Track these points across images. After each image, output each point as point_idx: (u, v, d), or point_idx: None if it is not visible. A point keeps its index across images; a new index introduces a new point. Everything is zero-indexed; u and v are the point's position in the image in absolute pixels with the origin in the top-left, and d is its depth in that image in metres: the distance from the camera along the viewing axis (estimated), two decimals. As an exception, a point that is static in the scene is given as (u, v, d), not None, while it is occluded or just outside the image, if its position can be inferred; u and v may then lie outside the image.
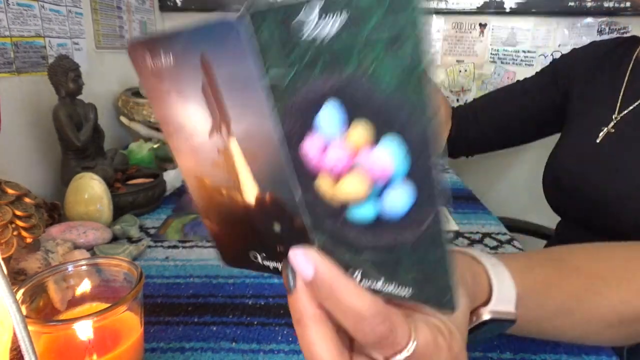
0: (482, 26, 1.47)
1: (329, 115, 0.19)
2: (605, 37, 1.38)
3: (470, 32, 1.47)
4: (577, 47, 0.88)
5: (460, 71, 1.52)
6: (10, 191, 0.48)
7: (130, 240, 0.68)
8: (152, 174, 0.86)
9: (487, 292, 0.34)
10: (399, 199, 0.20)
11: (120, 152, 0.86)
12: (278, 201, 0.23)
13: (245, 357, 0.43)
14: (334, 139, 0.20)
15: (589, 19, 1.42)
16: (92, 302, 0.41)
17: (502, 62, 1.49)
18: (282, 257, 0.24)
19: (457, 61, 1.51)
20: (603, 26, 1.41)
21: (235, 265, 0.27)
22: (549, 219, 0.89)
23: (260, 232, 0.25)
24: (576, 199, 0.72)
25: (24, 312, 0.36)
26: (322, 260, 0.22)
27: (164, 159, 1.01)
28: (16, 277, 0.50)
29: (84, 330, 0.35)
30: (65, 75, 0.76)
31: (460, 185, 0.98)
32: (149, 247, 0.66)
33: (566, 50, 1.06)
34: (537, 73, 0.92)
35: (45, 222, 0.54)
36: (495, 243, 0.69)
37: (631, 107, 0.69)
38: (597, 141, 0.71)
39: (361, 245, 0.22)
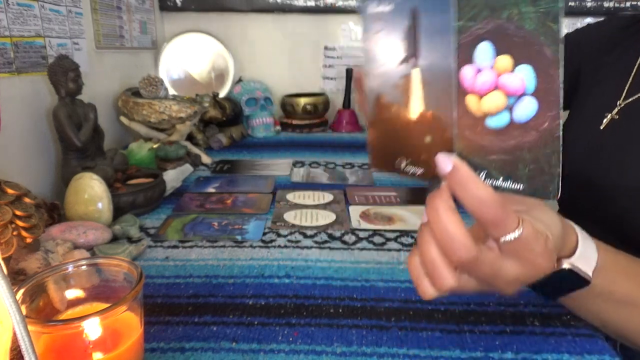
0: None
1: (483, 50, 0.29)
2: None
3: (471, 32, 1.47)
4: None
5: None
6: (10, 191, 0.48)
7: (130, 240, 0.68)
8: (152, 174, 0.86)
9: (573, 247, 0.39)
10: (527, 108, 0.28)
11: (120, 152, 0.86)
12: (437, 117, 0.32)
13: (245, 357, 0.43)
14: (484, 67, 0.29)
15: (589, 19, 1.41)
16: (92, 302, 0.41)
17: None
18: (425, 164, 0.33)
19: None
20: (603, 26, 1.41)
21: (381, 167, 0.36)
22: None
23: (413, 142, 0.33)
24: (582, 190, 0.67)
25: (24, 312, 0.36)
26: (458, 160, 0.31)
27: (164, 159, 1.01)
28: (16, 277, 0.50)
29: (84, 330, 0.35)
30: (65, 75, 0.76)
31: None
32: (149, 247, 0.66)
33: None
34: None
35: (45, 222, 0.54)
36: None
37: (637, 95, 0.64)
38: (601, 127, 0.66)
39: (491, 148, 0.30)
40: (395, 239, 0.68)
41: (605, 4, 1.37)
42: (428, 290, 0.33)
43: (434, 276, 0.33)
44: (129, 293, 0.36)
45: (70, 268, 0.41)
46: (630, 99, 0.64)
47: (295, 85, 1.57)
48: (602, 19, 0.79)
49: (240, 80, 1.51)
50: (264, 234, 0.70)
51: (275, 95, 1.51)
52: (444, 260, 0.32)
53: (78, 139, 0.77)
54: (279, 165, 1.07)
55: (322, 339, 0.45)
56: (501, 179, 0.31)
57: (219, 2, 1.46)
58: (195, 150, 1.12)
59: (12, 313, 0.23)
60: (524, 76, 0.28)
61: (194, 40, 1.50)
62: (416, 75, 0.32)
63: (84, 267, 0.41)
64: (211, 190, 0.90)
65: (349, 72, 1.48)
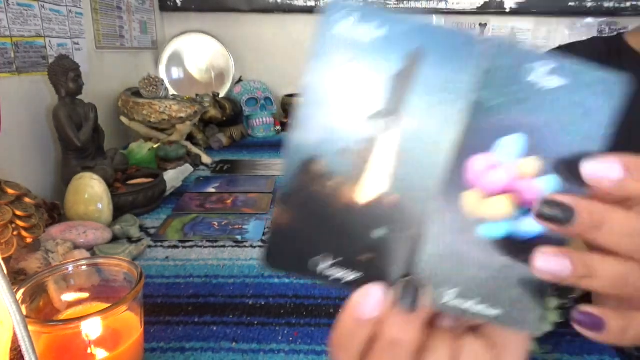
0: (482, 26, 1.47)
1: (513, 143, 0.23)
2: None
3: (471, 32, 1.47)
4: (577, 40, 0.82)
5: (460, 71, 1.52)
6: (10, 191, 0.48)
7: (130, 240, 0.68)
8: (152, 174, 0.86)
9: None
10: (536, 224, 0.23)
11: (120, 152, 0.86)
12: (401, 206, 0.24)
13: (245, 357, 0.43)
14: (504, 163, 0.23)
15: (589, 19, 1.42)
16: (92, 302, 0.41)
17: (502, 62, 1.49)
18: (362, 266, 0.24)
19: (457, 61, 1.51)
20: (603, 26, 1.41)
21: (282, 267, 0.25)
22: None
23: (349, 235, 0.24)
24: None
25: (24, 312, 0.36)
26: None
27: (164, 159, 1.01)
28: (16, 277, 0.50)
29: (84, 330, 0.35)
30: (65, 75, 0.76)
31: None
32: (149, 247, 0.66)
33: (566, 50, 1.06)
34: None
35: (45, 222, 0.54)
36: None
37: None
38: None
39: (474, 261, 0.24)
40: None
41: (605, 4, 1.37)
42: None
43: None
44: (129, 293, 0.36)
45: (71, 268, 0.41)
46: None
47: (295, 85, 1.57)
48: (585, 38, 0.80)
49: (240, 80, 1.51)
50: (264, 233, 0.70)
51: (275, 95, 1.51)
52: None
53: (78, 139, 0.77)
54: (279, 165, 1.08)
55: (322, 339, 0.45)
56: (476, 300, 0.24)
57: (219, 2, 1.46)
58: (195, 150, 1.12)
59: (13, 313, 0.23)
60: (547, 189, 0.23)
61: (194, 40, 1.50)
62: (390, 141, 0.23)
63: (84, 267, 0.41)
64: (211, 190, 0.90)
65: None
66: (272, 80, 1.56)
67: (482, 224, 0.24)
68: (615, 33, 0.81)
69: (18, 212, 0.47)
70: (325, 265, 0.25)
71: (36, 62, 0.82)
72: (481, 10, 1.42)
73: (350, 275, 0.25)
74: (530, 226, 0.23)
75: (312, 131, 0.24)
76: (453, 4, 1.42)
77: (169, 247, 0.66)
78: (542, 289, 0.24)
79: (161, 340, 0.45)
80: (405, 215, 0.24)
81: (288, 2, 1.46)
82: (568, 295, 0.37)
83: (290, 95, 1.48)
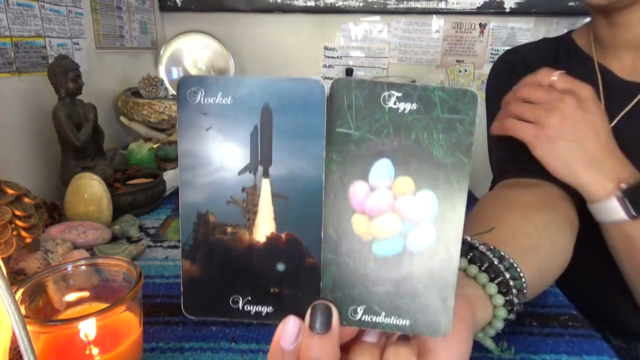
0: (482, 26, 1.47)
1: (382, 168, 0.25)
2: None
3: (470, 32, 1.47)
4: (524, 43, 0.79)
5: (460, 71, 1.52)
6: (9, 191, 0.48)
7: (130, 240, 0.68)
8: (151, 174, 0.86)
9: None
10: (425, 237, 0.25)
11: (120, 152, 0.86)
12: (295, 240, 0.26)
13: (244, 357, 0.43)
14: (380, 186, 0.25)
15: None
16: (91, 302, 0.41)
17: (502, 62, 1.49)
18: (274, 299, 0.27)
19: (457, 61, 1.51)
20: (603, 26, 1.41)
21: (201, 314, 0.28)
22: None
23: (255, 273, 0.27)
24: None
25: (23, 312, 0.36)
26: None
27: (164, 159, 1.01)
28: (15, 277, 0.50)
29: (83, 330, 0.35)
30: (65, 75, 0.76)
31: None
32: (149, 247, 0.66)
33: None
34: (496, 86, 0.75)
35: (46, 222, 0.54)
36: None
37: (619, 116, 0.63)
38: None
39: (376, 279, 0.26)
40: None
41: (605, 4, 1.37)
42: None
43: None
44: (128, 293, 0.36)
45: (70, 268, 0.41)
46: (612, 123, 0.62)
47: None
48: (536, 40, 0.79)
49: (240, 80, 1.51)
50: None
51: (275, 95, 1.51)
52: None
53: (77, 139, 0.77)
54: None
55: (321, 339, 0.45)
56: (383, 314, 0.26)
57: (219, 2, 1.46)
58: (195, 150, 1.12)
59: (11, 313, 0.23)
60: (425, 202, 0.25)
61: (194, 40, 1.50)
62: (266, 188, 0.26)
63: (83, 267, 0.41)
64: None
65: (349, 72, 1.48)
66: (272, 80, 1.55)
67: (374, 243, 0.26)
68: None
69: (17, 212, 0.47)
70: (240, 304, 0.27)
71: (36, 62, 0.82)
72: (481, 10, 1.42)
73: (265, 310, 0.27)
74: (420, 239, 0.26)
75: (198, 190, 0.27)
76: (453, 4, 1.42)
77: (169, 247, 0.66)
78: (443, 295, 0.26)
79: (160, 340, 0.45)
80: (302, 247, 0.26)
81: (288, 2, 1.46)
82: (512, 290, 0.39)
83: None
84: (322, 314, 0.25)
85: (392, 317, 0.26)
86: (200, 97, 0.26)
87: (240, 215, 0.27)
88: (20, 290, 0.37)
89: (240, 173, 0.26)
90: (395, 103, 0.25)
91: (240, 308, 0.27)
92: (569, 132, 0.52)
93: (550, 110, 0.53)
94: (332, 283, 0.26)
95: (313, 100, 0.25)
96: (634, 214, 0.50)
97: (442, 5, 1.42)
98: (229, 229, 0.27)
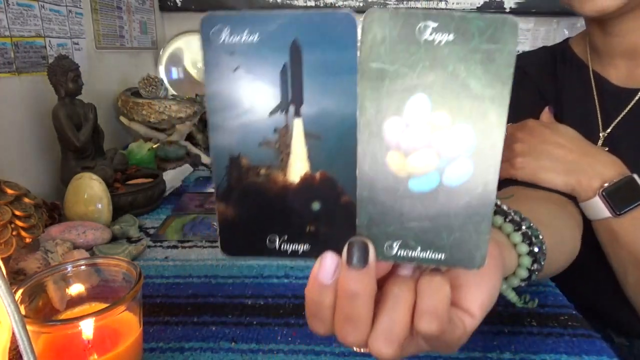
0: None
1: (418, 103, 0.24)
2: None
3: (470, 32, 1.47)
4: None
5: (460, 71, 1.52)
6: (9, 191, 0.48)
7: (130, 240, 0.68)
8: (151, 174, 0.86)
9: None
10: (461, 171, 0.25)
11: (120, 152, 0.86)
12: (329, 179, 0.26)
13: (244, 357, 0.43)
14: (416, 122, 0.25)
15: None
16: (91, 302, 0.41)
17: (502, 62, 1.49)
18: (310, 237, 0.27)
19: (457, 61, 1.51)
20: (603, 26, 1.41)
21: (239, 253, 0.28)
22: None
23: (291, 213, 0.27)
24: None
25: (23, 312, 0.36)
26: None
27: (164, 159, 1.01)
28: (15, 277, 0.50)
29: (83, 330, 0.35)
30: (64, 75, 0.76)
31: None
32: (149, 247, 0.66)
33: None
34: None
35: (46, 222, 0.54)
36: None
37: (614, 122, 0.64)
38: None
39: (411, 215, 0.26)
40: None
41: (605, 5, 1.37)
42: (353, 340, 0.27)
43: (380, 338, 0.26)
44: (128, 293, 0.36)
45: (70, 268, 0.41)
46: (609, 129, 0.65)
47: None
48: (536, 48, 0.80)
49: (240, 80, 1.51)
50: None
51: (275, 95, 1.51)
52: (406, 326, 0.26)
53: (77, 139, 0.77)
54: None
55: (320, 339, 0.45)
56: (419, 249, 0.26)
57: (219, 2, 1.46)
58: (195, 150, 1.12)
59: (11, 313, 0.23)
60: (462, 137, 0.25)
61: (194, 40, 1.50)
62: (298, 127, 0.26)
63: (83, 267, 0.41)
64: (211, 190, 0.90)
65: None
66: (272, 80, 1.56)
67: (410, 179, 0.26)
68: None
69: (17, 212, 0.47)
70: (278, 242, 0.27)
71: (36, 62, 0.82)
72: (481, 10, 1.42)
73: (301, 248, 0.27)
74: (457, 174, 0.25)
75: (228, 132, 0.26)
76: (453, 4, 1.42)
77: (169, 247, 0.66)
78: (478, 229, 0.26)
79: (160, 340, 0.45)
80: (337, 185, 0.26)
81: (288, 2, 1.46)
82: (535, 242, 0.40)
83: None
84: (359, 249, 0.26)
85: (428, 251, 0.26)
86: (225, 36, 0.25)
87: (273, 157, 0.26)
88: (20, 290, 0.37)
89: (271, 114, 0.26)
90: (431, 34, 0.24)
91: (277, 247, 0.27)
92: (533, 154, 0.59)
93: (508, 146, 0.61)
94: (367, 220, 0.26)
95: (344, 34, 0.24)
96: (617, 211, 0.54)
97: (442, 5, 1.42)
98: (262, 171, 0.26)
